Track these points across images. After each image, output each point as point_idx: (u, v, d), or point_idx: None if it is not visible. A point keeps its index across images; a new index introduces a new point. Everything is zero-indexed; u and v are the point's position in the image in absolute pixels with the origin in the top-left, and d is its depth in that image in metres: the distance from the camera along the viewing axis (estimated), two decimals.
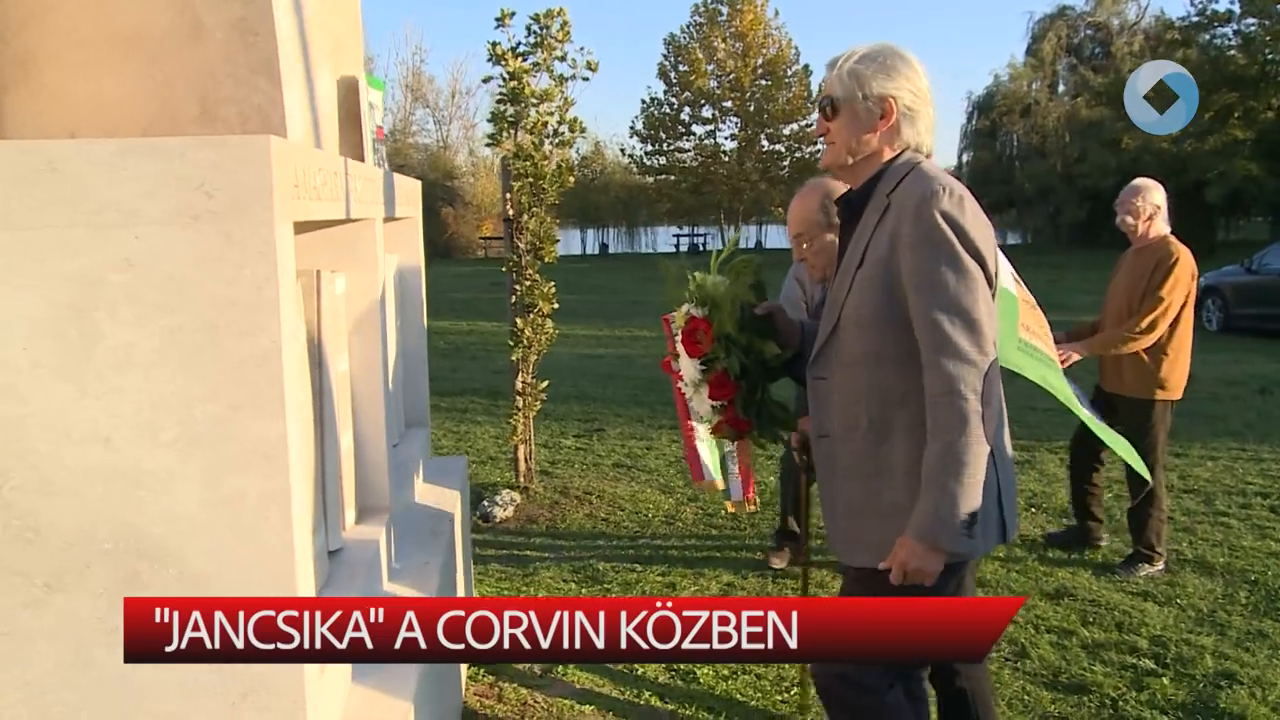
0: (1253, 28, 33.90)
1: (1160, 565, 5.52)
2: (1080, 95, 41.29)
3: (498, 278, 7.51)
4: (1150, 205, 5.50)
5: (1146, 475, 4.89)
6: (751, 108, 43.95)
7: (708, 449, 4.38)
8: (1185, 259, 5.37)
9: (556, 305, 7.29)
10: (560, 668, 4.17)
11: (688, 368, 2.91)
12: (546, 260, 7.15)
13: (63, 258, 1.81)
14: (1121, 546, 5.77)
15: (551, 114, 7.19)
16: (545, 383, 7.45)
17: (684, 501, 6.96)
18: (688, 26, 44.41)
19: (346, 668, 2.38)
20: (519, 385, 7.36)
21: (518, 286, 7.16)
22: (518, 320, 7.18)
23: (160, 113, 2.52)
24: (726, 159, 45.03)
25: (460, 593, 3.64)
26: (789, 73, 44.01)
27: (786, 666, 4.16)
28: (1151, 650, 4.50)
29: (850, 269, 2.53)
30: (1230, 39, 34.74)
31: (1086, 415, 4.52)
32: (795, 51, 44.08)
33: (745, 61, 43.41)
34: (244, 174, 1.81)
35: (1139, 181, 5.64)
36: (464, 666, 3.80)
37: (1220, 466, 7.83)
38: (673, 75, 44.68)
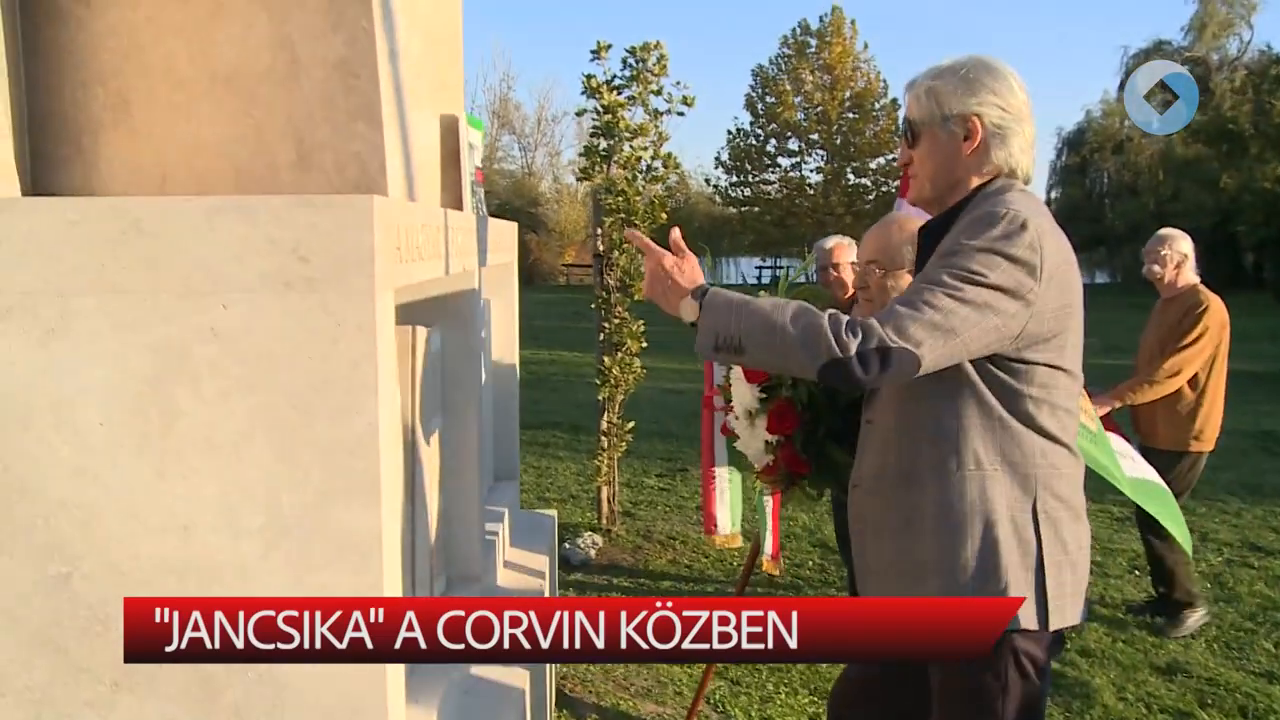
0: None
1: (1203, 609, 5.35)
2: (1176, 133, 40.26)
3: (580, 306, 7.34)
4: (1178, 254, 5.44)
5: (1188, 546, 4.54)
6: (838, 141, 43.54)
7: (729, 498, 4.07)
8: (1215, 307, 5.29)
9: (645, 344, 7.09)
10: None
11: (743, 395, 2.61)
12: (636, 298, 6.95)
13: (145, 326, 1.64)
14: (1236, 617, 5.40)
15: (645, 149, 7.03)
16: (631, 423, 7.25)
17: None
18: (776, 58, 44.20)
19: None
20: (604, 425, 7.17)
21: (606, 324, 6.99)
22: (605, 358, 7.00)
23: (255, 158, 2.36)
24: (811, 192, 44.59)
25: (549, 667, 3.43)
26: (877, 106, 43.52)
27: None
28: None
29: None
30: None
31: (1129, 483, 4.12)
32: (884, 85, 43.60)
33: (833, 94, 43.04)
34: (344, 238, 1.63)
35: (1164, 231, 5.56)
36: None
37: None
38: (760, 107, 44.48)
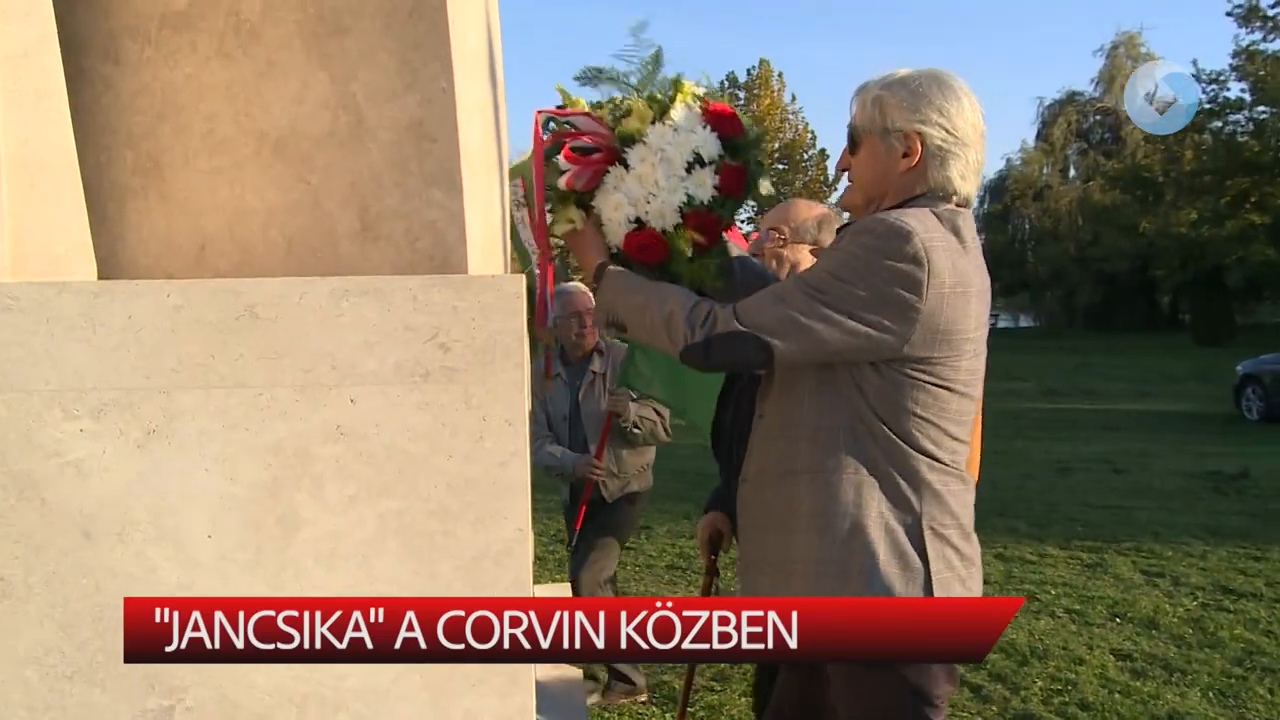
0: (1265, 115, 34.00)
1: None
2: (1092, 179, 41.51)
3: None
4: None
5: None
6: (781, 195, 44.12)
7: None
8: None
9: None
10: None
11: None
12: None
13: (260, 425, 1.45)
14: (1224, 664, 5.35)
15: None
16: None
17: None
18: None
19: None
20: None
21: None
22: None
23: (311, 227, 2.18)
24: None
25: None
26: (806, 156, 44.17)
27: None
28: None
29: None
30: (1243, 125, 34.81)
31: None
32: (812, 136, 44.31)
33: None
34: (490, 322, 1.46)
35: None
36: None
37: None
38: None
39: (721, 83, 44.66)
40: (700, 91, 2.34)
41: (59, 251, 1.65)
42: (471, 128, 2.14)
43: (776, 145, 43.92)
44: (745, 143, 2.33)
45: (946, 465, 2.12)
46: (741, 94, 43.95)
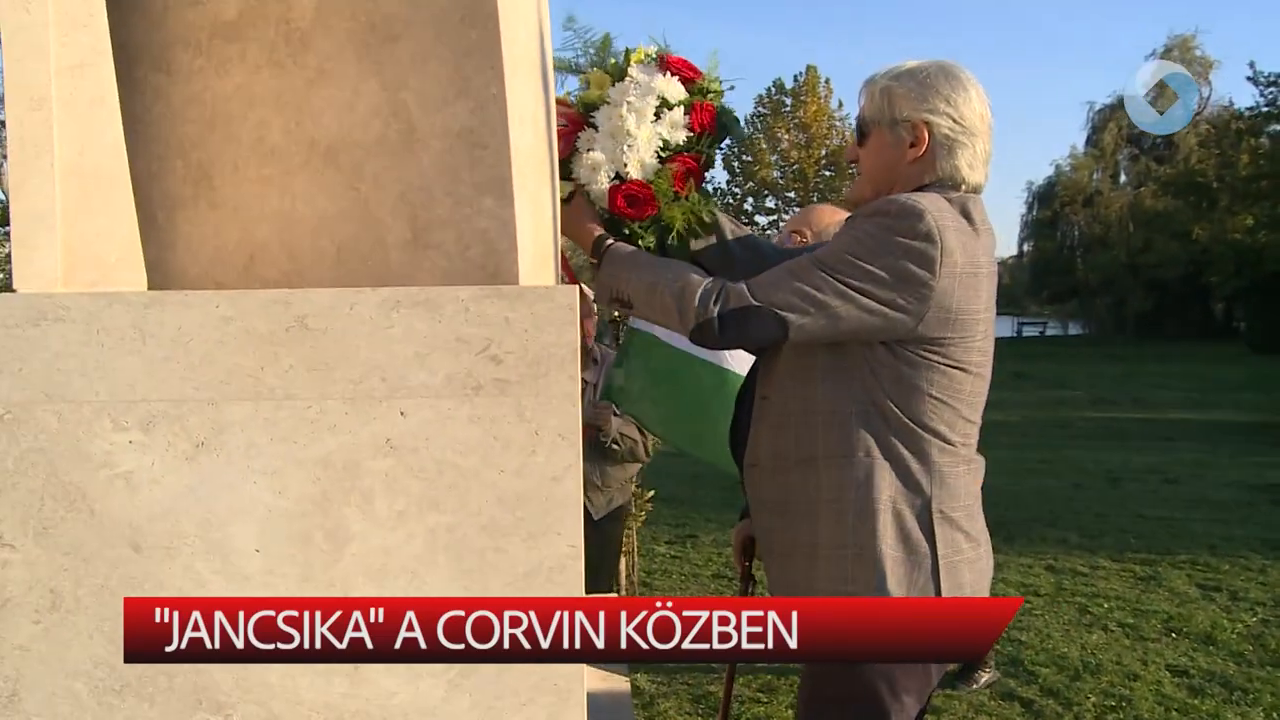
0: None
1: (994, 672, 5.37)
2: (1144, 185, 40.94)
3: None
4: None
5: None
6: (815, 198, 43.85)
7: None
8: None
9: None
10: None
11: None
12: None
13: (310, 438, 1.43)
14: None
15: None
16: (651, 491, 7.03)
17: None
18: (752, 117, 44.51)
19: None
20: None
21: None
22: None
23: (360, 235, 2.16)
24: None
25: None
26: (852, 165, 43.83)
27: None
28: None
29: None
30: None
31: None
32: None
33: (809, 152, 43.36)
34: (543, 334, 1.43)
35: None
36: None
37: None
38: (736, 165, 44.76)
39: (768, 88, 44.61)
40: (653, 51, 2.36)
41: (110, 261, 1.64)
42: (522, 134, 2.11)
43: (824, 152, 43.76)
44: (706, 83, 2.33)
45: (956, 447, 2.13)
46: (788, 100, 43.79)
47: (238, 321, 1.45)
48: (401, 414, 1.44)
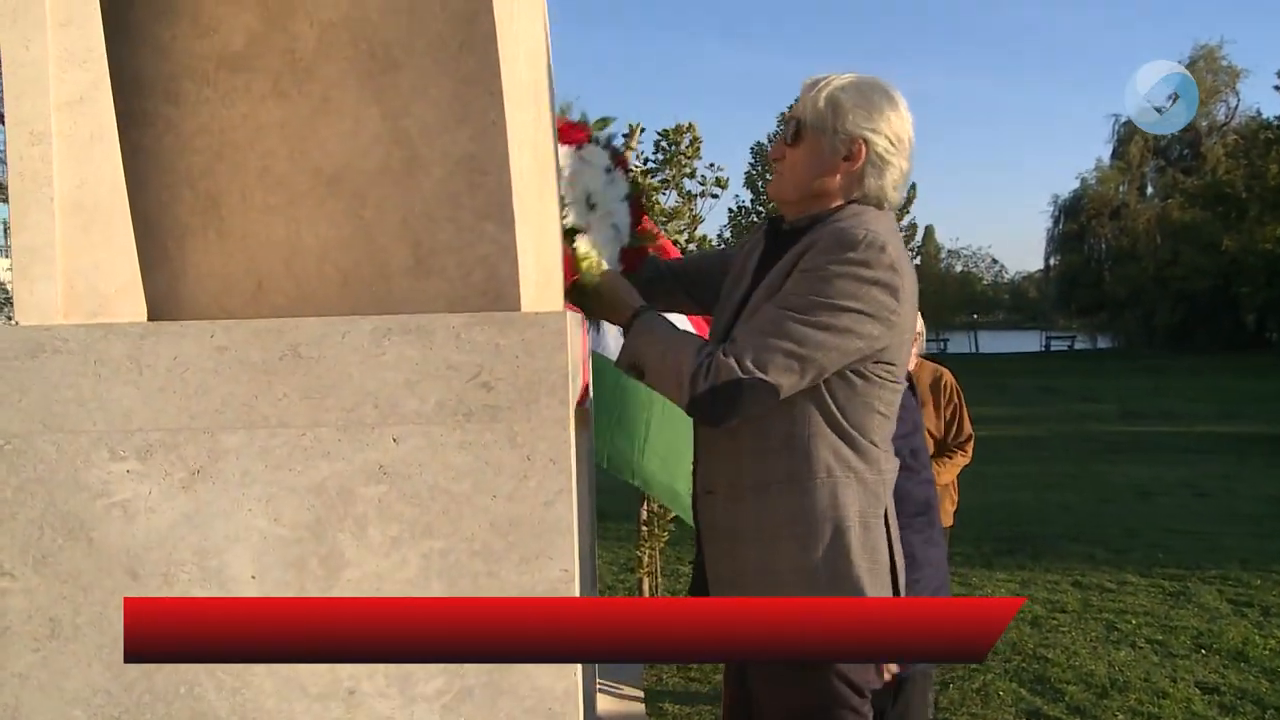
0: None
1: None
2: (1171, 197, 40.62)
3: None
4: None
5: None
6: None
7: None
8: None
9: None
10: None
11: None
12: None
13: (304, 465, 1.44)
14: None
15: (681, 232, 6.90)
16: (675, 513, 7.01)
17: None
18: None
19: None
20: (645, 514, 6.94)
21: None
22: None
23: (364, 262, 2.18)
24: None
25: None
26: None
27: None
28: None
29: (734, 297, 2.24)
30: None
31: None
32: None
33: None
34: (536, 360, 1.44)
35: None
36: None
37: None
38: (760, 184, 44.64)
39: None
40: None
41: (109, 293, 1.66)
42: (523, 160, 2.12)
43: None
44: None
45: (893, 456, 2.20)
46: None
47: (232, 351, 1.46)
48: (394, 440, 1.45)
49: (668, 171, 6.90)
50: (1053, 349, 49.41)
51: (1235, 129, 40.31)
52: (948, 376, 5.20)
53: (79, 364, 1.45)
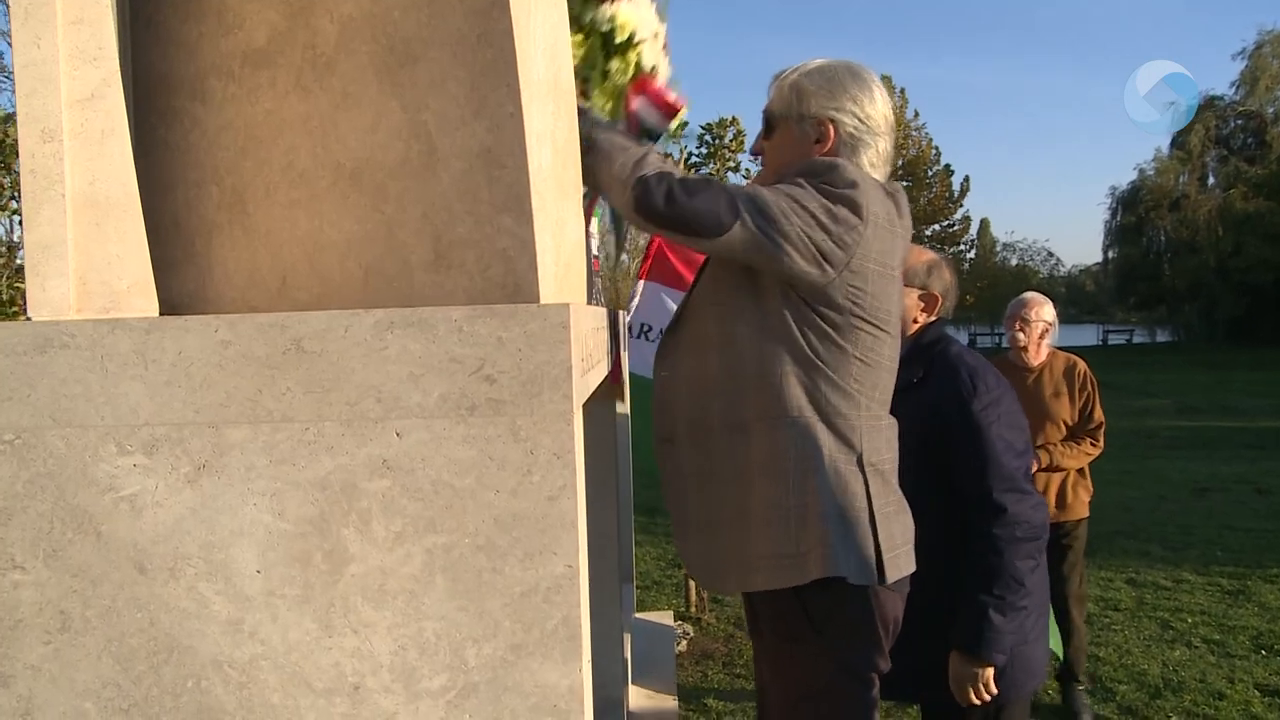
0: None
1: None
2: (1234, 187, 39.77)
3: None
4: (1043, 323, 5.30)
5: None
6: None
7: None
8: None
9: None
10: None
11: None
12: None
13: (307, 460, 1.44)
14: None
15: None
16: None
17: None
18: None
19: None
20: None
21: None
22: None
23: (385, 257, 2.18)
24: None
25: None
26: (930, 173, 43.37)
27: None
28: None
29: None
30: None
31: None
32: (936, 152, 43.48)
33: None
34: (536, 353, 1.42)
35: (1029, 296, 5.45)
36: None
37: None
38: None
39: None
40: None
41: (122, 289, 1.68)
42: (541, 153, 2.11)
43: (900, 163, 43.30)
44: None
45: (876, 405, 2.19)
46: None
47: (236, 345, 1.46)
48: (397, 435, 1.44)
49: (712, 165, 6.88)
50: (1111, 343, 48.78)
51: None
52: (1082, 365, 5.24)
53: (87, 359, 1.45)
